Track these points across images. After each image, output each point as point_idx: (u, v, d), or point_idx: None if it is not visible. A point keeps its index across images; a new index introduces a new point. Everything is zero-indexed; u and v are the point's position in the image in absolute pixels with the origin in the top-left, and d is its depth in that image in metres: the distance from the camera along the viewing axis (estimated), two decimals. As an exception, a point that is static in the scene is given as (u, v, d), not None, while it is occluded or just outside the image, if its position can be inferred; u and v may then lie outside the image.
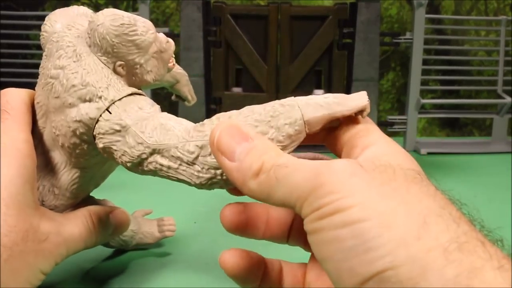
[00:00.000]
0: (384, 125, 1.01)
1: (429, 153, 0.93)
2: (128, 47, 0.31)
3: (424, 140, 1.03)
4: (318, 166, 0.21)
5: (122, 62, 0.32)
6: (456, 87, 1.09)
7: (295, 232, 0.29)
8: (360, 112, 0.27)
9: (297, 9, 0.94)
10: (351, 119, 0.27)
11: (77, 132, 0.31)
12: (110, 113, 0.30)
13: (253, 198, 0.23)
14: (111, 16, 0.32)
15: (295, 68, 0.95)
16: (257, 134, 0.24)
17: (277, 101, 0.27)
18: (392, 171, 0.21)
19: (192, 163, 0.27)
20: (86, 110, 0.30)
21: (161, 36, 0.34)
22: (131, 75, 0.33)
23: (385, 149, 0.24)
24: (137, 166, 0.29)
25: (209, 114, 0.98)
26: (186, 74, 0.51)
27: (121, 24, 0.31)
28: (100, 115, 0.30)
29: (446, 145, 0.98)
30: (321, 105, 0.27)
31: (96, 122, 0.30)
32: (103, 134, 0.30)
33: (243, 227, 0.27)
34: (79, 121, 0.31)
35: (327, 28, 0.93)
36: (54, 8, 1.06)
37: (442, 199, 0.21)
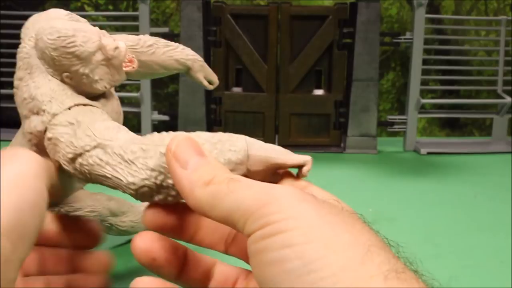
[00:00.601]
0: (384, 125, 1.01)
1: (429, 153, 0.93)
2: (69, 59, 0.32)
3: (424, 140, 1.03)
4: (270, 186, 0.22)
5: (68, 73, 0.32)
6: (456, 87, 1.09)
7: (236, 245, 0.27)
8: (301, 166, 0.27)
9: (297, 9, 0.94)
10: (292, 176, 0.27)
11: (32, 142, 0.32)
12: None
13: (195, 208, 0.23)
14: (48, 30, 0.32)
15: (295, 68, 0.95)
16: (213, 156, 0.25)
17: (237, 135, 0.28)
18: (340, 207, 0.22)
19: (131, 162, 0.27)
20: (35, 123, 0.31)
21: (109, 43, 0.33)
22: (81, 85, 0.33)
23: (328, 196, 0.24)
24: (76, 159, 0.29)
25: (209, 114, 0.98)
26: (200, 59, 0.49)
27: (57, 37, 0.31)
28: (46, 128, 0.31)
29: (446, 145, 0.98)
30: (266, 148, 0.27)
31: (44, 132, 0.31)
32: (56, 125, 0.30)
33: (168, 228, 0.26)
34: (31, 133, 0.32)
35: (327, 28, 0.93)
36: (54, 7, 1.07)
37: (382, 240, 0.22)
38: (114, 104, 0.37)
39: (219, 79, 0.52)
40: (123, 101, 1.17)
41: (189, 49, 0.48)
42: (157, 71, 0.46)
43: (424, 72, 0.96)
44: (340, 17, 0.92)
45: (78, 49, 0.31)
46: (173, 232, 0.27)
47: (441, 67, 1.04)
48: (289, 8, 0.92)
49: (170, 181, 0.26)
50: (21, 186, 0.22)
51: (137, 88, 1.02)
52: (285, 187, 0.22)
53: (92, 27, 0.33)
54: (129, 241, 0.49)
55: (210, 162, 0.24)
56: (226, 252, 0.27)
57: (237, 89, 0.95)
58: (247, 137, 0.28)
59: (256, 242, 0.20)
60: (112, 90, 0.38)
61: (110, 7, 1.08)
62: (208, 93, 0.95)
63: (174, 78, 1.01)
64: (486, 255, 0.51)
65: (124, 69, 0.34)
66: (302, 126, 0.96)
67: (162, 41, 0.46)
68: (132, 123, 1.11)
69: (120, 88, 1.08)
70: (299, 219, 0.20)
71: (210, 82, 0.51)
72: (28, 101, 0.32)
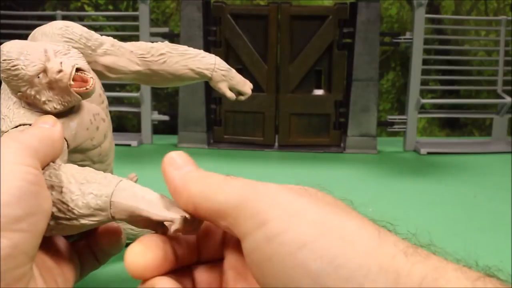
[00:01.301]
0: (384, 125, 1.01)
1: (429, 153, 0.94)
2: (15, 81, 0.33)
3: (424, 140, 1.03)
4: (267, 185, 0.22)
5: (21, 93, 0.33)
6: (456, 87, 1.09)
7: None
8: (162, 224, 0.26)
9: (297, 9, 0.94)
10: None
11: None
12: None
13: (186, 204, 0.23)
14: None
15: (295, 68, 0.95)
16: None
17: (116, 177, 0.27)
18: (333, 199, 0.22)
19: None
20: None
21: (53, 66, 0.33)
22: (35, 104, 0.34)
23: None
24: None
25: (209, 114, 0.98)
26: (224, 67, 0.46)
27: (3, 60, 0.33)
28: None
29: (446, 145, 0.98)
30: (137, 197, 0.26)
31: None
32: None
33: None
34: None
35: (327, 28, 0.93)
36: (54, 8, 1.07)
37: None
38: (84, 118, 0.37)
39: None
40: (123, 101, 1.18)
41: (213, 56, 0.45)
42: (171, 80, 0.45)
43: (424, 72, 0.96)
44: (340, 17, 0.92)
45: (20, 72, 0.33)
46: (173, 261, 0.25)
47: (441, 67, 1.04)
48: (289, 8, 0.92)
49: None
50: (5, 180, 0.22)
51: (137, 88, 1.02)
52: (283, 186, 0.22)
53: (43, 49, 0.33)
54: (129, 242, 0.49)
55: (203, 171, 0.25)
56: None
57: (237, 89, 0.95)
58: (124, 182, 0.26)
59: (258, 245, 0.20)
60: (89, 105, 0.38)
61: (110, 7, 1.08)
62: (208, 93, 0.95)
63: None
64: (486, 255, 0.51)
65: (76, 89, 0.34)
66: (302, 126, 0.96)
67: (181, 48, 0.45)
68: (132, 123, 1.11)
69: (120, 88, 1.08)
70: (297, 215, 0.20)
71: (240, 93, 0.48)
72: None
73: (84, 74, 0.34)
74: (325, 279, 0.18)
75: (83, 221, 0.26)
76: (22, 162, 0.23)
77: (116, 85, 1.06)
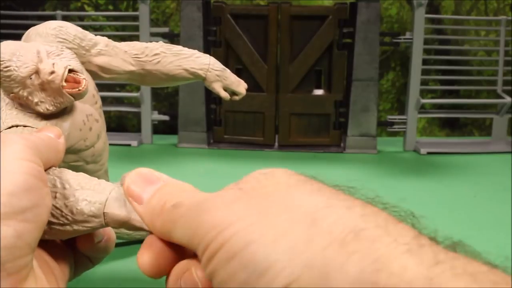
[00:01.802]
0: (384, 125, 1.01)
1: (429, 153, 0.94)
2: (8, 82, 0.33)
3: (424, 140, 1.03)
4: (202, 202, 0.21)
5: (14, 94, 0.34)
6: (456, 87, 1.09)
7: None
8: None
9: (297, 9, 0.94)
10: None
11: None
12: None
13: (162, 238, 0.23)
14: None
15: (295, 68, 0.95)
16: (168, 178, 0.25)
17: (110, 184, 0.27)
18: (275, 182, 0.21)
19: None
20: None
21: (45, 67, 0.33)
22: (28, 105, 0.34)
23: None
24: None
25: (209, 114, 0.98)
26: (219, 68, 0.46)
27: None
28: None
29: (446, 145, 0.98)
30: (129, 206, 0.26)
31: None
32: None
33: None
34: None
35: (327, 28, 0.93)
36: (54, 8, 1.07)
37: (330, 190, 0.20)
38: (77, 119, 0.37)
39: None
40: (123, 101, 1.18)
41: (207, 56, 0.45)
42: (165, 80, 0.45)
43: (424, 72, 0.96)
44: (340, 17, 0.92)
45: (13, 73, 0.33)
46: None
47: (441, 67, 1.04)
48: (289, 8, 0.92)
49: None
50: (6, 171, 0.22)
51: (137, 88, 1.02)
52: (213, 197, 0.21)
53: (36, 50, 0.34)
54: (130, 242, 0.49)
55: (161, 188, 0.24)
56: None
57: (237, 89, 0.95)
58: (115, 191, 0.26)
59: (206, 265, 0.20)
60: (82, 105, 0.38)
61: (110, 7, 1.08)
62: (208, 93, 0.95)
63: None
64: (486, 255, 0.51)
65: (68, 90, 0.34)
66: (302, 126, 0.96)
67: (175, 49, 0.45)
68: (132, 123, 1.11)
69: (120, 88, 1.08)
70: (232, 225, 0.19)
71: (235, 93, 0.48)
72: None
73: (77, 75, 0.34)
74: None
75: (76, 227, 0.26)
76: (28, 158, 0.23)
77: (116, 85, 1.06)
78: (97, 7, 1.08)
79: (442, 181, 0.77)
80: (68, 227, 0.26)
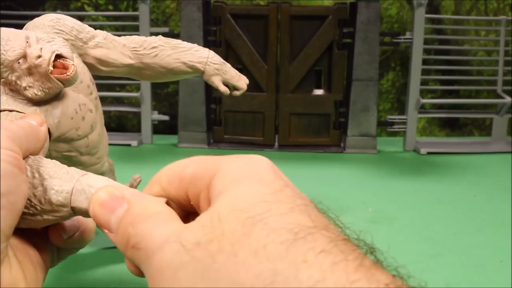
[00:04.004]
0: (384, 125, 1.01)
1: (429, 153, 0.94)
2: None
3: (424, 140, 1.03)
4: (154, 254, 0.21)
5: (3, 79, 0.34)
6: (456, 87, 1.09)
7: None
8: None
9: (297, 8, 0.94)
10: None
11: None
12: None
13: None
14: None
15: (295, 68, 0.95)
16: (132, 194, 0.24)
17: (79, 171, 0.27)
18: (216, 222, 0.20)
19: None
20: None
21: (32, 51, 0.34)
22: (17, 91, 0.34)
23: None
24: None
25: (209, 114, 0.98)
26: (218, 61, 0.45)
27: None
28: None
29: (446, 145, 0.98)
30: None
31: None
32: None
33: None
34: None
35: (327, 28, 0.93)
36: (54, 8, 1.07)
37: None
38: (69, 107, 0.37)
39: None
40: (123, 101, 1.18)
41: (206, 50, 0.45)
42: (163, 74, 0.45)
43: (424, 72, 0.96)
44: (340, 17, 0.92)
45: (0, 57, 0.33)
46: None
47: (441, 67, 1.04)
48: (289, 8, 0.92)
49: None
50: None
51: (137, 88, 1.02)
52: (154, 257, 0.21)
53: (25, 35, 0.34)
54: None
55: (124, 218, 0.23)
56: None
57: (237, 89, 0.95)
58: (79, 183, 0.26)
59: None
60: (76, 95, 0.38)
61: (110, 7, 1.08)
62: (208, 93, 0.95)
63: (174, 78, 1.01)
64: (486, 255, 0.51)
65: (56, 76, 0.34)
66: (302, 126, 0.96)
67: (174, 42, 0.45)
68: (132, 123, 1.11)
69: (120, 88, 1.08)
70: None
71: (235, 88, 0.47)
72: None
73: (66, 61, 0.34)
74: None
75: (46, 216, 0.26)
76: (6, 146, 0.23)
77: (116, 85, 1.06)
78: (97, 7, 1.08)
79: (442, 181, 0.77)
80: (38, 217, 0.26)
